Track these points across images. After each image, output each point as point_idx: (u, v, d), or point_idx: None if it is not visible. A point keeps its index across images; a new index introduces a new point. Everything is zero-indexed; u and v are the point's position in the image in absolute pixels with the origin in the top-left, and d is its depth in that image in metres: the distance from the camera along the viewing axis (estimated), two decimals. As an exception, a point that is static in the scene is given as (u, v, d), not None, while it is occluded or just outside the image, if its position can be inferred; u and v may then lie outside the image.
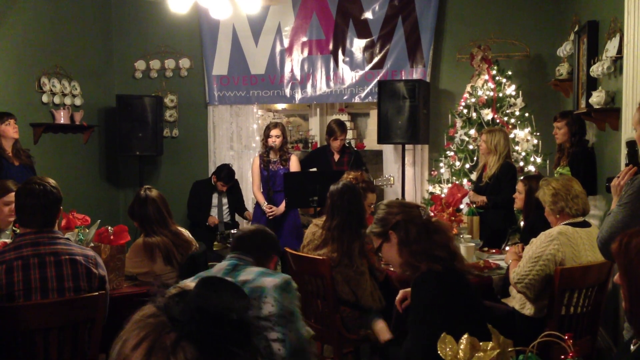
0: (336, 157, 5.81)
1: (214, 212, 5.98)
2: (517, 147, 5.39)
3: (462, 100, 5.80)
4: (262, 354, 0.88)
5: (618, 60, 4.05)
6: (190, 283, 0.91)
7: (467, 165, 5.54)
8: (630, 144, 2.78)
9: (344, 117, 7.22)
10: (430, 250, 2.35)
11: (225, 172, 5.87)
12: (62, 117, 5.95)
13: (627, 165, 2.79)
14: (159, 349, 0.83)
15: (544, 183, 3.36)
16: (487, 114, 5.50)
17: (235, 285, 0.92)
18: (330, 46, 6.62)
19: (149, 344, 0.84)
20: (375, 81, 6.40)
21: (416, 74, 6.36)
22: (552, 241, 3.12)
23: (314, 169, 5.93)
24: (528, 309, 3.21)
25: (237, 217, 6.15)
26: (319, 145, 7.25)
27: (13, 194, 3.03)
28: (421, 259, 2.35)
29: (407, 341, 2.34)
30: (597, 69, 4.27)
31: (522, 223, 4.50)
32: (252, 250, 2.55)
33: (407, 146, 6.02)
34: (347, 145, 5.86)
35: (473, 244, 4.00)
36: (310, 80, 6.68)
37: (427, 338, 2.08)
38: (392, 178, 5.56)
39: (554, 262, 3.09)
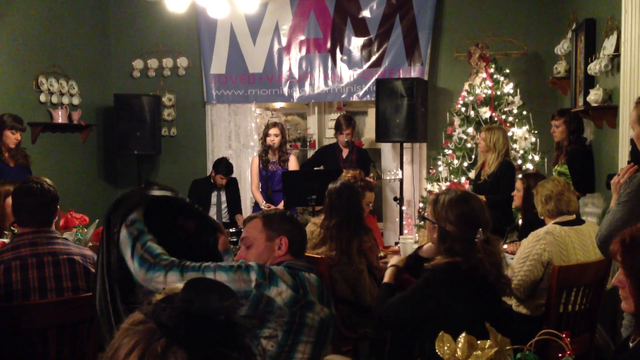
0: (344, 153, 5.79)
1: (212, 210, 5.97)
2: (515, 145, 5.39)
3: (460, 98, 5.80)
4: (254, 353, 0.88)
5: (615, 58, 4.05)
6: (178, 286, 0.92)
7: (465, 164, 5.54)
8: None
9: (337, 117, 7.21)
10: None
11: (224, 165, 5.87)
12: (60, 117, 5.95)
13: (629, 162, 2.79)
14: (150, 356, 0.83)
15: (538, 185, 3.41)
16: (485, 112, 5.51)
17: (222, 286, 0.92)
18: (328, 45, 6.62)
19: (140, 351, 0.84)
20: (373, 79, 6.40)
21: (414, 72, 6.36)
22: (538, 241, 3.14)
23: (321, 167, 5.91)
24: (524, 308, 3.22)
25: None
26: (317, 144, 7.26)
27: None
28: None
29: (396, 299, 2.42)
30: (594, 67, 4.28)
31: (520, 221, 4.51)
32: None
33: (405, 144, 6.03)
34: (353, 141, 5.84)
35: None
36: (309, 79, 6.68)
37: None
38: (399, 172, 5.59)
39: (540, 262, 3.10)
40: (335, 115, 7.26)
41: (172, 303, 0.87)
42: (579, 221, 3.30)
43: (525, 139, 5.43)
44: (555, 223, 3.24)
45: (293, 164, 5.75)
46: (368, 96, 6.56)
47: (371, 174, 5.33)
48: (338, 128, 5.77)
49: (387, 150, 6.66)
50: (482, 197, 4.70)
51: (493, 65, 5.69)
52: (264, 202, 5.62)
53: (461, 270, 2.33)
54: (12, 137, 4.73)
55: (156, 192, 2.13)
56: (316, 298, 2.13)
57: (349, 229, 3.59)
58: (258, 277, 2.01)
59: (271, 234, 2.25)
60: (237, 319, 0.87)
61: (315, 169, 5.96)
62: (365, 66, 6.54)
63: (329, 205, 3.67)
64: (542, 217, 3.37)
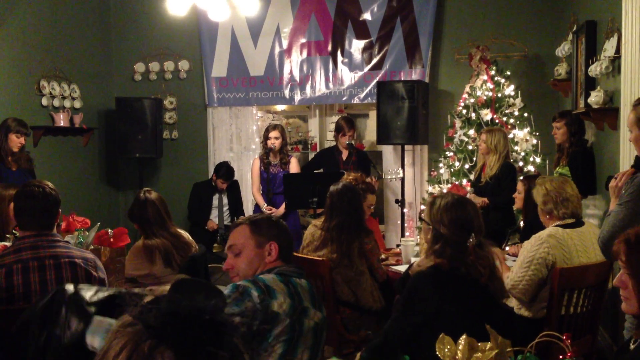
0: (344, 155, 5.80)
1: (214, 213, 5.99)
2: (516, 147, 5.39)
3: (461, 100, 5.80)
4: (241, 351, 0.89)
5: (616, 60, 4.05)
6: (166, 288, 0.93)
7: (467, 166, 5.54)
8: None
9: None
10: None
11: (224, 170, 5.89)
12: (61, 120, 5.96)
13: (632, 167, 2.79)
14: (138, 357, 0.85)
15: (539, 182, 3.37)
16: (486, 114, 5.51)
17: (208, 286, 0.94)
18: (329, 47, 6.63)
19: (128, 353, 0.86)
20: (374, 82, 6.40)
21: (415, 75, 6.36)
22: (542, 244, 3.12)
23: (320, 170, 5.92)
24: (526, 310, 3.22)
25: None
26: (318, 147, 7.26)
27: None
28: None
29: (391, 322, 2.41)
30: (595, 69, 4.28)
31: (521, 223, 4.51)
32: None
33: (406, 147, 6.03)
34: (353, 144, 5.85)
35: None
36: (310, 82, 6.69)
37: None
38: (400, 171, 5.59)
39: (545, 265, 3.09)
40: (336, 118, 7.28)
41: (158, 304, 0.88)
42: (578, 223, 3.29)
43: (527, 140, 5.43)
44: (557, 225, 3.22)
45: (294, 167, 5.75)
46: (369, 99, 6.56)
47: (372, 175, 5.33)
48: (339, 130, 5.77)
49: (389, 152, 6.66)
50: (485, 199, 4.71)
51: (494, 68, 5.69)
52: (265, 204, 5.63)
53: (443, 272, 2.36)
54: (16, 141, 4.75)
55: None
56: (309, 303, 2.13)
57: (350, 231, 3.59)
58: (259, 293, 2.00)
59: (260, 239, 2.20)
60: (224, 317, 0.88)
61: (316, 171, 5.96)
62: (366, 69, 6.55)
63: (330, 206, 3.67)
64: (546, 216, 3.30)
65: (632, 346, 1.77)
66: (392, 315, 2.49)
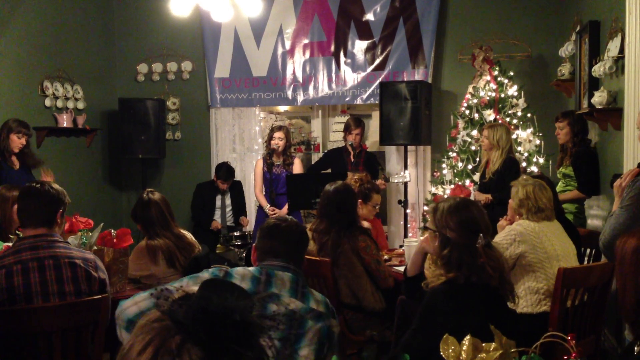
0: (352, 156, 5.78)
1: (217, 214, 5.99)
2: (519, 148, 5.38)
3: (464, 101, 5.79)
4: (268, 353, 0.89)
5: (620, 60, 4.04)
6: (193, 287, 0.93)
7: (470, 166, 5.53)
8: None
9: (346, 119, 7.20)
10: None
11: (224, 170, 5.89)
12: (65, 121, 5.97)
13: (638, 166, 2.79)
14: (164, 353, 0.84)
15: (521, 183, 3.40)
16: (489, 115, 5.49)
17: (237, 286, 0.94)
18: (332, 48, 6.63)
19: (154, 348, 0.85)
20: (377, 82, 6.40)
21: (418, 75, 6.35)
22: (510, 232, 3.24)
23: (328, 170, 5.91)
24: (521, 307, 3.21)
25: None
26: (321, 147, 7.26)
27: None
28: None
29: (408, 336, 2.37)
30: (598, 69, 4.27)
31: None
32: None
33: (409, 147, 6.02)
34: (362, 145, 5.83)
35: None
36: (312, 82, 6.69)
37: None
38: (407, 175, 5.57)
39: (512, 259, 3.20)
40: (339, 119, 7.29)
41: (188, 301, 0.88)
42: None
43: (530, 141, 5.42)
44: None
45: (298, 167, 5.75)
46: (372, 99, 6.56)
47: (380, 178, 5.31)
48: (347, 129, 5.77)
49: (392, 153, 6.65)
50: (488, 196, 4.71)
51: (497, 68, 5.68)
52: (268, 205, 5.63)
53: (459, 285, 2.31)
54: (17, 142, 4.77)
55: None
56: (287, 292, 2.15)
57: (341, 230, 3.55)
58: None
59: None
60: (252, 318, 0.88)
61: (323, 172, 5.95)
62: (369, 69, 6.54)
63: (321, 207, 3.65)
64: (516, 216, 3.40)
65: (636, 349, 1.77)
66: (410, 328, 2.45)
